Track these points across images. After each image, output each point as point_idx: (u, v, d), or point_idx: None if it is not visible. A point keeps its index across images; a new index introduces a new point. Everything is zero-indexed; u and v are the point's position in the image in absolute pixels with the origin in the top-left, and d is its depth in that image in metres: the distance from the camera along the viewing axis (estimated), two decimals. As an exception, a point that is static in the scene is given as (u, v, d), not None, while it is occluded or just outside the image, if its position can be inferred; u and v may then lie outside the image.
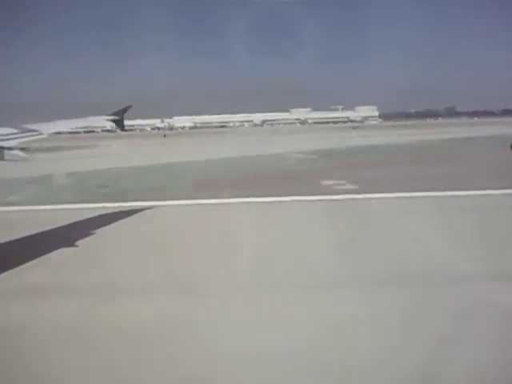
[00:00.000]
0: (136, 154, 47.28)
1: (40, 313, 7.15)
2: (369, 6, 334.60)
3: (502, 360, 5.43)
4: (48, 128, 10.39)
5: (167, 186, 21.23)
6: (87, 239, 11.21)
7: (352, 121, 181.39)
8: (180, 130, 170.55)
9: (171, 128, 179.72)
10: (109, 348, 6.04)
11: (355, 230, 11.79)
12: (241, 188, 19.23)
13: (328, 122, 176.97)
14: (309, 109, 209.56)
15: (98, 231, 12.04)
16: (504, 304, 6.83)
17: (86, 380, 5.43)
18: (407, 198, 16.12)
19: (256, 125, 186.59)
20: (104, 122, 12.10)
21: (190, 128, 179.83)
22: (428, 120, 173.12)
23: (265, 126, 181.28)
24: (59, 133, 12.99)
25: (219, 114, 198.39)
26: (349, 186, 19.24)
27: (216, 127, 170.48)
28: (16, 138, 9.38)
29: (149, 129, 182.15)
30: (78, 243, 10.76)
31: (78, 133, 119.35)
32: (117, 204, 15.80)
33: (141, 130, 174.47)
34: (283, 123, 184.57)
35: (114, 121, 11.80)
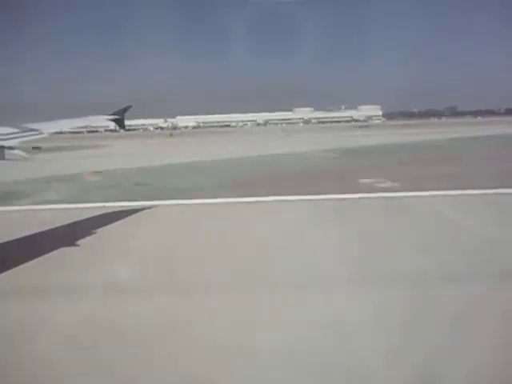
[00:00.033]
0: (156, 153, 47.11)
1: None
2: (370, 6, 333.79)
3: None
4: (48, 127, 10.37)
5: (222, 186, 20.65)
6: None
7: (355, 120, 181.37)
8: (183, 129, 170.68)
9: (174, 128, 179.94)
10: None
11: (431, 227, 11.59)
12: (284, 186, 19.02)
13: (331, 122, 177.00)
14: (311, 108, 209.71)
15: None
16: None
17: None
18: (456, 195, 15.75)
19: (259, 124, 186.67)
20: (105, 121, 12.10)
21: (193, 128, 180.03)
22: (431, 119, 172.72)
23: (268, 125, 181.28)
24: (61, 132, 13.00)
25: (222, 113, 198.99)
26: (390, 184, 18.99)
27: (219, 127, 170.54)
28: (16, 138, 9.35)
29: (152, 128, 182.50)
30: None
31: (81, 132, 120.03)
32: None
33: (144, 129, 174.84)
34: (286, 123, 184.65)
35: (114, 120, 11.80)
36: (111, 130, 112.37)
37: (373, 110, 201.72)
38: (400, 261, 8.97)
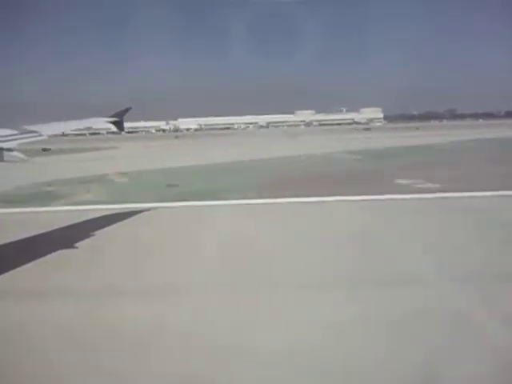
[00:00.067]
0: (174, 155, 46.87)
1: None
2: (370, 6, 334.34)
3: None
4: (48, 129, 10.38)
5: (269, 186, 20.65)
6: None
7: (357, 123, 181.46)
8: (185, 131, 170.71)
9: (176, 130, 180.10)
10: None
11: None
12: (322, 187, 18.88)
13: (333, 124, 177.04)
14: (313, 111, 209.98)
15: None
16: None
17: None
18: (498, 196, 15.75)
19: (261, 127, 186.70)
20: (104, 123, 12.12)
21: (196, 130, 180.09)
22: (431, 122, 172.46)
23: (270, 127, 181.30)
24: (64, 135, 13.04)
25: (224, 115, 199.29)
26: (430, 185, 18.89)
27: (221, 129, 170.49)
28: (15, 139, 9.35)
29: (153, 131, 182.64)
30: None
31: (83, 135, 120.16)
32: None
33: (146, 131, 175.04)
34: (288, 125, 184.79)
35: (114, 122, 11.81)
36: (113, 133, 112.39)
37: (374, 113, 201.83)
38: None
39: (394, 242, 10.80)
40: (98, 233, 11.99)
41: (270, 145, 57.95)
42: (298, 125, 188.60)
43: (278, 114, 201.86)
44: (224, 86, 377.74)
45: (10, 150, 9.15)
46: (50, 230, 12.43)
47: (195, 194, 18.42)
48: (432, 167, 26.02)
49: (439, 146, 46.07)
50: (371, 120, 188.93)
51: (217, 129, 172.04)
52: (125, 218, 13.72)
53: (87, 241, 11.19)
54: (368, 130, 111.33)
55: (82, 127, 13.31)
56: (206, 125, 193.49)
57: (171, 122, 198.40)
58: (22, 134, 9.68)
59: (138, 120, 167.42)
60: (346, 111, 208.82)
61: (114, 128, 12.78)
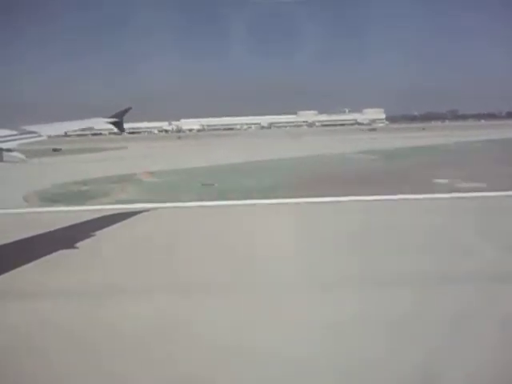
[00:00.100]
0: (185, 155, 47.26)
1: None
2: (371, 6, 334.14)
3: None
4: (47, 130, 10.39)
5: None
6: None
7: (359, 123, 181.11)
8: (188, 132, 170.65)
9: (179, 130, 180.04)
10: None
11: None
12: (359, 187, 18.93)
13: (335, 125, 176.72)
14: (315, 111, 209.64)
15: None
16: None
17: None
18: None
19: (263, 127, 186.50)
20: (104, 123, 12.13)
21: (198, 131, 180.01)
22: (433, 123, 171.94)
23: (272, 128, 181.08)
24: (66, 135, 13.11)
25: (226, 116, 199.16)
26: (473, 184, 18.84)
27: (224, 129, 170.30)
28: (15, 140, 9.37)
29: (156, 131, 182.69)
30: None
31: (86, 135, 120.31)
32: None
33: (148, 132, 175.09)
34: (290, 125, 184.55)
35: (113, 123, 11.81)
36: (115, 133, 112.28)
37: (376, 114, 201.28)
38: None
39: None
40: (115, 232, 12.12)
41: (279, 146, 57.58)
42: (301, 125, 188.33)
43: (280, 114, 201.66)
44: (226, 86, 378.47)
45: (9, 150, 9.17)
46: (53, 229, 12.45)
47: (233, 192, 18.87)
48: (457, 167, 25.85)
49: (453, 146, 46.03)
50: (374, 121, 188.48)
51: (219, 129, 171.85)
52: (130, 218, 13.75)
53: (106, 240, 11.30)
54: (374, 130, 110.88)
55: (81, 128, 13.32)
56: (208, 125, 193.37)
57: (174, 122, 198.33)
58: (21, 134, 9.70)
59: (141, 121, 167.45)
60: (349, 112, 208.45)
61: (115, 128, 12.78)
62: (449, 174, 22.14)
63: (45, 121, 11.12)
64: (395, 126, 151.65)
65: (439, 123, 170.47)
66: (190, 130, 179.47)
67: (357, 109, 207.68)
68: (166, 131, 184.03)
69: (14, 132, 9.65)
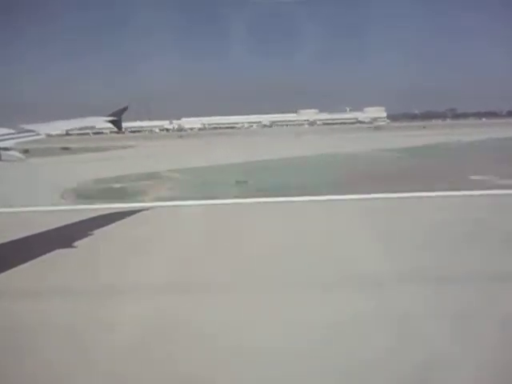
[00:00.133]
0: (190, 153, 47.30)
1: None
2: (371, 7, 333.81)
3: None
4: (45, 128, 10.38)
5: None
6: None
7: (360, 122, 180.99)
8: (189, 131, 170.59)
9: (180, 129, 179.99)
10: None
11: None
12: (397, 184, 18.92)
13: (336, 124, 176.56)
14: (316, 110, 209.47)
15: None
16: None
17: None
18: None
19: (265, 126, 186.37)
20: (102, 122, 12.10)
21: (199, 129, 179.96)
22: (433, 121, 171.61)
23: (274, 126, 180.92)
24: (68, 134, 13.10)
25: (227, 115, 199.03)
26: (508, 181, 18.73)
27: (225, 128, 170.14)
28: (12, 139, 9.36)
29: (157, 130, 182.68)
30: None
31: (87, 134, 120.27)
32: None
33: (149, 131, 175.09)
34: (291, 124, 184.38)
35: (111, 121, 11.78)
36: (117, 132, 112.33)
37: (377, 112, 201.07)
38: None
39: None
40: (114, 232, 12.05)
41: (288, 144, 57.24)
42: (302, 124, 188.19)
43: (281, 113, 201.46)
44: (227, 85, 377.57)
45: (6, 149, 9.15)
46: (52, 228, 12.41)
47: (267, 190, 19.01)
48: (485, 164, 25.51)
49: (464, 144, 45.97)
50: (375, 119, 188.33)
51: (220, 128, 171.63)
52: (128, 217, 13.70)
53: (102, 239, 11.24)
54: (378, 128, 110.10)
55: (80, 126, 13.30)
56: (209, 124, 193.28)
57: (175, 121, 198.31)
58: (19, 133, 9.68)
59: (142, 119, 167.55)
60: (350, 110, 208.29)
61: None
62: (480, 171, 21.95)
63: (44, 120, 11.10)
64: (397, 124, 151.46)
65: (440, 122, 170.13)
66: (192, 129, 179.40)
67: (358, 107, 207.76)
68: (167, 130, 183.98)
69: (12, 131, 9.63)
